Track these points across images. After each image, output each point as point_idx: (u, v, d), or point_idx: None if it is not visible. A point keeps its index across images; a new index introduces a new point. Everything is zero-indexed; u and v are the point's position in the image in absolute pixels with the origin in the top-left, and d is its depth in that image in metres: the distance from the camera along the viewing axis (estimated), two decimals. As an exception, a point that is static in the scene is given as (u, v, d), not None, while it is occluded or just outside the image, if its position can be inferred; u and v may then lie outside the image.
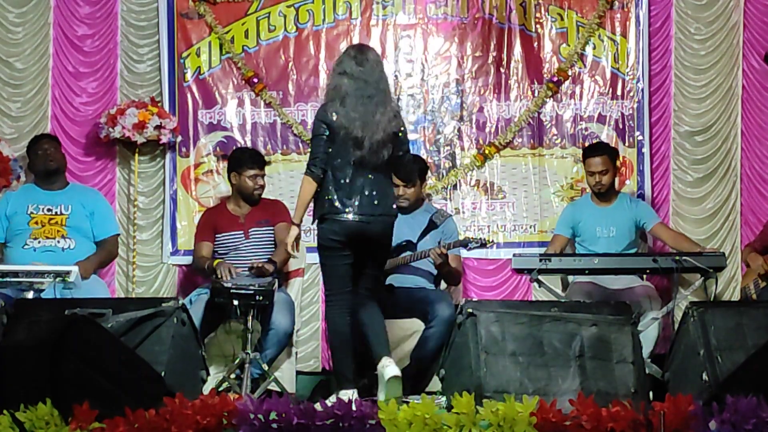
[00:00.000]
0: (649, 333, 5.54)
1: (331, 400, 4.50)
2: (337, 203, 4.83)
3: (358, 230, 4.85)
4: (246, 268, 5.64)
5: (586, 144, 6.57)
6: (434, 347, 5.50)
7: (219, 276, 5.49)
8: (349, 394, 4.74)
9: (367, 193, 4.85)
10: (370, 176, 4.86)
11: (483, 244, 5.76)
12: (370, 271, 4.99)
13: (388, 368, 4.77)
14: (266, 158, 6.24)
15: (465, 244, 5.76)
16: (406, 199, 5.93)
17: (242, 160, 5.93)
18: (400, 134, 4.95)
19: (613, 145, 6.37)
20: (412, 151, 6.40)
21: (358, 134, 4.80)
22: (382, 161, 4.87)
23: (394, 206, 5.01)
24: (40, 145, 5.96)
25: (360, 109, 4.82)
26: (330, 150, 4.84)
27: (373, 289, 5.01)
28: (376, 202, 4.87)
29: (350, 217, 4.83)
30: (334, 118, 4.83)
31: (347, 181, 4.84)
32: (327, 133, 4.84)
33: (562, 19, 6.69)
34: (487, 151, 6.66)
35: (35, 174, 6.00)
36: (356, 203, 4.84)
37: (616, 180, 6.47)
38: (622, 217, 6.04)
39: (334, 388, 5.45)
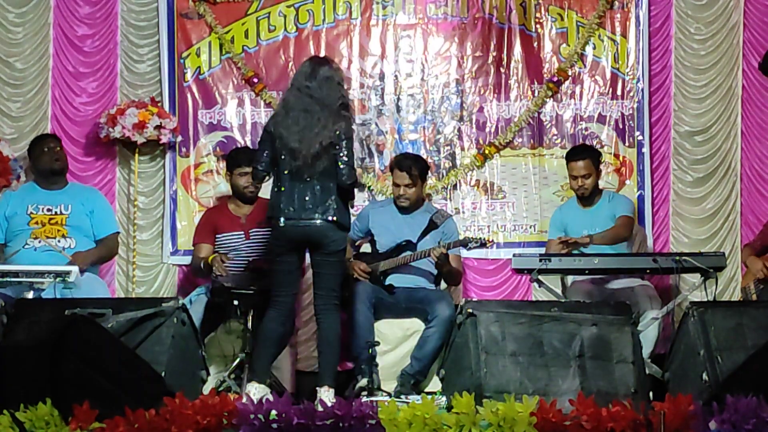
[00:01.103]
0: (649, 333, 5.53)
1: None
2: (276, 210, 5.05)
3: (297, 236, 5.04)
4: (244, 267, 5.65)
5: (587, 144, 6.57)
6: (434, 347, 5.50)
7: (215, 271, 5.51)
8: (258, 388, 4.84)
9: (302, 200, 5.02)
10: (305, 185, 5.02)
11: (483, 244, 5.77)
12: (323, 271, 5.10)
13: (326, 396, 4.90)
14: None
15: (465, 243, 5.77)
16: (407, 199, 5.94)
17: (235, 159, 5.98)
18: (338, 149, 5.00)
19: (597, 147, 6.35)
20: (412, 151, 6.48)
21: (295, 146, 4.98)
22: (317, 172, 5.01)
23: (332, 215, 5.03)
24: (46, 143, 5.95)
25: (301, 123, 5.00)
26: (272, 157, 5.09)
27: (328, 288, 5.09)
28: (310, 209, 5.01)
29: (288, 224, 5.02)
30: (276, 129, 5.06)
31: (284, 189, 5.04)
32: (268, 141, 5.09)
33: (562, 19, 6.69)
34: (487, 151, 6.66)
35: (39, 172, 5.98)
36: (292, 210, 5.01)
37: (617, 180, 6.49)
38: (605, 217, 6.00)
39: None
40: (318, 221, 5.01)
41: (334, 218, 5.02)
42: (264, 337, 5.11)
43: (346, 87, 5.21)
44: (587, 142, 6.56)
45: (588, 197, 6.03)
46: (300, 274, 5.25)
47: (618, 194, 6.31)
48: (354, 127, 5.22)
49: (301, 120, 5.02)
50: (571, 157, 6.06)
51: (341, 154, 5.02)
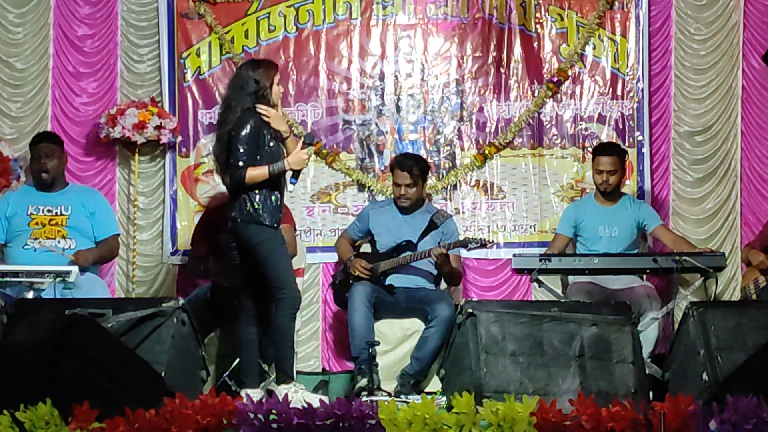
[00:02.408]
0: (649, 333, 5.53)
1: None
2: None
3: (235, 237, 5.12)
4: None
5: (587, 144, 6.60)
6: (434, 347, 5.50)
7: (212, 270, 5.53)
8: (252, 393, 4.74)
9: None
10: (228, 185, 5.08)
11: (483, 245, 5.77)
12: (259, 269, 5.04)
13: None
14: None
15: (465, 244, 5.77)
16: (408, 199, 5.93)
17: None
18: (230, 149, 4.96)
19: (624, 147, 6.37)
20: (412, 151, 6.48)
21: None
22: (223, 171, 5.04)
23: (238, 215, 4.97)
24: (39, 147, 5.84)
25: (217, 122, 5.15)
26: None
27: (268, 285, 4.99)
28: (229, 210, 5.04)
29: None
30: None
31: None
32: None
33: (562, 19, 6.69)
34: (487, 151, 6.66)
35: (32, 177, 5.97)
36: None
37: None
38: (625, 218, 6.04)
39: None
40: (232, 223, 5.02)
41: (238, 219, 4.97)
42: (242, 345, 5.09)
43: (266, 90, 4.99)
44: (587, 143, 6.58)
45: (609, 194, 6.04)
46: (256, 274, 5.05)
47: (642, 202, 6.31)
48: (251, 126, 4.94)
49: (217, 119, 5.14)
50: (599, 151, 6.08)
51: (230, 154, 4.95)
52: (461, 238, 5.93)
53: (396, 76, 6.72)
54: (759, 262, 5.79)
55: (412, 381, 5.57)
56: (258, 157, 4.92)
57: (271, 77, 5.02)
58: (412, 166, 5.91)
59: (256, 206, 4.93)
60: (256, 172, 4.90)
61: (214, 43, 6.73)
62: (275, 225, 4.98)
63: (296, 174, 5.01)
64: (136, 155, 6.61)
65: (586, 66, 6.70)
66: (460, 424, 3.76)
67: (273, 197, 4.98)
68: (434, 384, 5.47)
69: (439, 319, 5.53)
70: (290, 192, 5.01)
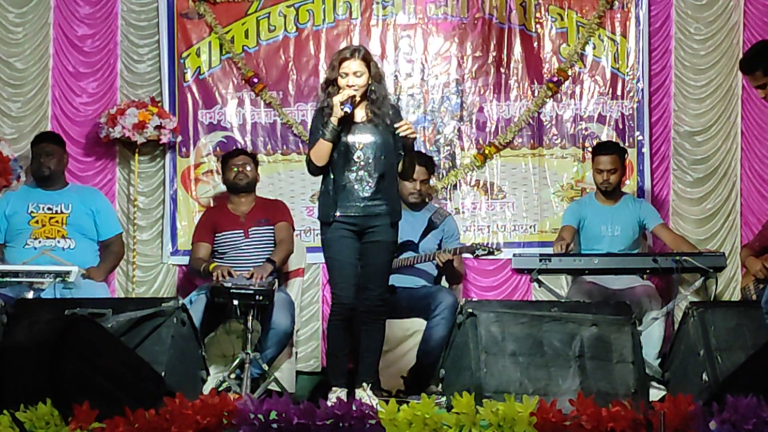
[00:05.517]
0: (653, 332, 5.52)
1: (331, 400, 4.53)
2: None
3: None
4: (244, 269, 5.63)
5: (587, 144, 6.60)
6: (442, 335, 5.43)
7: (216, 279, 5.49)
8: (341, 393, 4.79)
9: None
10: None
11: (491, 252, 5.75)
12: None
13: None
14: (266, 158, 6.53)
15: (472, 251, 5.75)
16: (421, 195, 5.92)
17: (227, 155, 6.11)
18: None
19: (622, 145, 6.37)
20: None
21: None
22: None
23: None
24: (41, 147, 5.90)
25: None
26: None
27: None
28: None
29: None
30: None
31: None
32: None
33: (562, 19, 6.69)
34: (487, 151, 6.66)
35: (32, 174, 6.00)
36: None
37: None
38: (627, 217, 6.04)
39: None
40: None
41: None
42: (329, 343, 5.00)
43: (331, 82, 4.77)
44: (587, 143, 6.59)
45: (610, 193, 6.05)
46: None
47: (642, 200, 6.31)
48: (313, 125, 4.83)
49: None
50: (599, 151, 6.08)
51: None
52: (464, 241, 5.91)
53: (396, 76, 6.72)
54: (756, 271, 5.77)
55: (423, 374, 5.52)
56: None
57: (335, 67, 4.72)
58: (428, 162, 5.93)
59: (318, 200, 4.86)
60: (314, 147, 4.72)
61: (214, 43, 6.73)
62: (329, 220, 4.74)
63: (348, 103, 4.62)
64: (136, 155, 6.61)
65: (586, 66, 6.70)
66: (460, 424, 3.75)
67: (327, 186, 4.73)
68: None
69: (443, 305, 5.49)
70: (347, 112, 4.59)
